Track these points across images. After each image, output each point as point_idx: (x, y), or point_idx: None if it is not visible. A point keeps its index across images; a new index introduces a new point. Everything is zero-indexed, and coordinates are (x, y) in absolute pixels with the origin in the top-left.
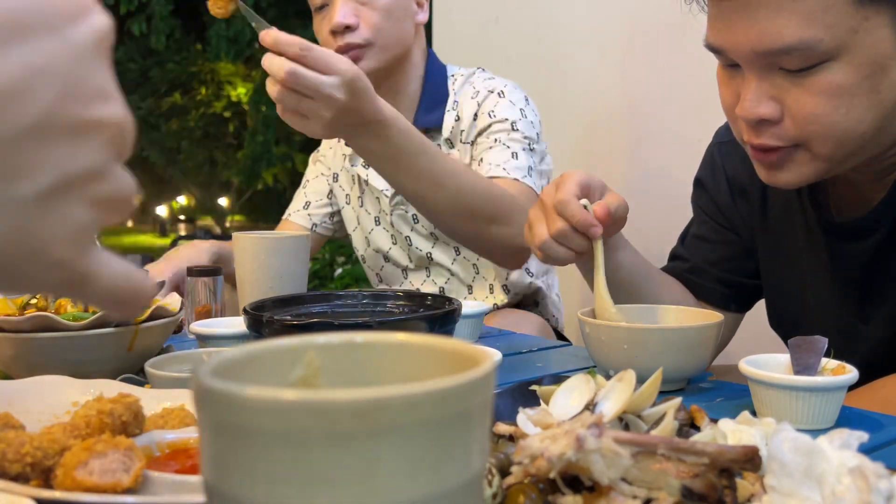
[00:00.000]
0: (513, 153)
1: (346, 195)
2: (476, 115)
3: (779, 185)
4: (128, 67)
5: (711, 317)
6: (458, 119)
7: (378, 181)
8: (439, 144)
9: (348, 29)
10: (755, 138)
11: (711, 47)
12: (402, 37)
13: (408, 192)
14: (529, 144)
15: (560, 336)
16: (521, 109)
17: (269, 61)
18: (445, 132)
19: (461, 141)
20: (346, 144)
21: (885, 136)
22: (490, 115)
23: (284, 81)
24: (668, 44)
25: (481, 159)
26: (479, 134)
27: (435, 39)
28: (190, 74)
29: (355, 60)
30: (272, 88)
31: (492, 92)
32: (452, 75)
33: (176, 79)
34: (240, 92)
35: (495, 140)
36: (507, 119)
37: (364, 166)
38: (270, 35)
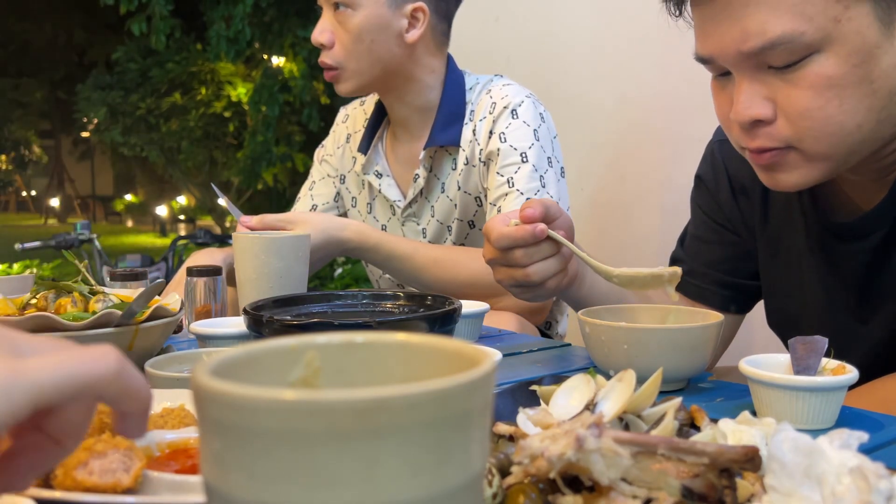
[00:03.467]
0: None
1: (353, 198)
2: (491, 132)
3: (783, 189)
4: (128, 67)
5: (711, 317)
6: (474, 133)
7: (391, 191)
8: (454, 159)
9: (324, 45)
10: (750, 142)
11: (700, 58)
12: (378, 58)
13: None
14: (541, 177)
15: (544, 335)
16: (534, 131)
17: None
18: (465, 147)
19: (479, 160)
20: None
21: (883, 131)
22: (501, 139)
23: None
24: (669, 44)
25: (499, 209)
26: (489, 158)
27: None
28: (190, 74)
29: (334, 82)
30: None
31: (506, 108)
32: (471, 88)
33: (176, 79)
34: (240, 92)
35: (508, 182)
36: (516, 149)
37: (377, 175)
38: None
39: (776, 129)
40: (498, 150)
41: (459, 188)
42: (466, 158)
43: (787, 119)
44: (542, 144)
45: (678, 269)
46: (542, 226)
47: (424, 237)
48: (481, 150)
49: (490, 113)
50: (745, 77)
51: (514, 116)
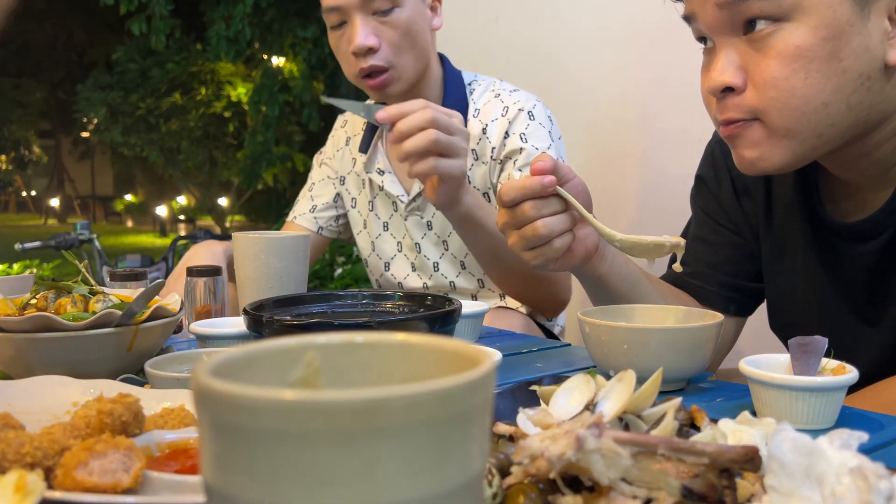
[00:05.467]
0: None
1: (353, 199)
2: (507, 133)
3: (749, 171)
4: (128, 67)
5: (711, 317)
6: (484, 132)
7: (394, 186)
8: None
9: (371, 50)
10: (721, 114)
11: (685, 17)
12: (422, 50)
13: (476, 253)
14: None
15: (549, 335)
16: (549, 132)
17: (408, 122)
18: (471, 142)
19: (491, 158)
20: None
21: (855, 118)
22: (522, 139)
23: (434, 123)
24: (669, 43)
25: None
26: (510, 156)
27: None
28: (190, 74)
29: (383, 87)
30: (426, 137)
31: (521, 111)
32: (469, 84)
33: (176, 79)
34: (240, 92)
35: None
36: (538, 149)
37: (379, 172)
38: (390, 109)
39: (744, 98)
40: (521, 149)
41: (468, 182)
42: (476, 154)
43: (755, 88)
44: (556, 146)
45: (682, 240)
46: (550, 177)
47: (430, 230)
48: (494, 148)
49: (503, 115)
50: (723, 44)
51: (532, 118)
